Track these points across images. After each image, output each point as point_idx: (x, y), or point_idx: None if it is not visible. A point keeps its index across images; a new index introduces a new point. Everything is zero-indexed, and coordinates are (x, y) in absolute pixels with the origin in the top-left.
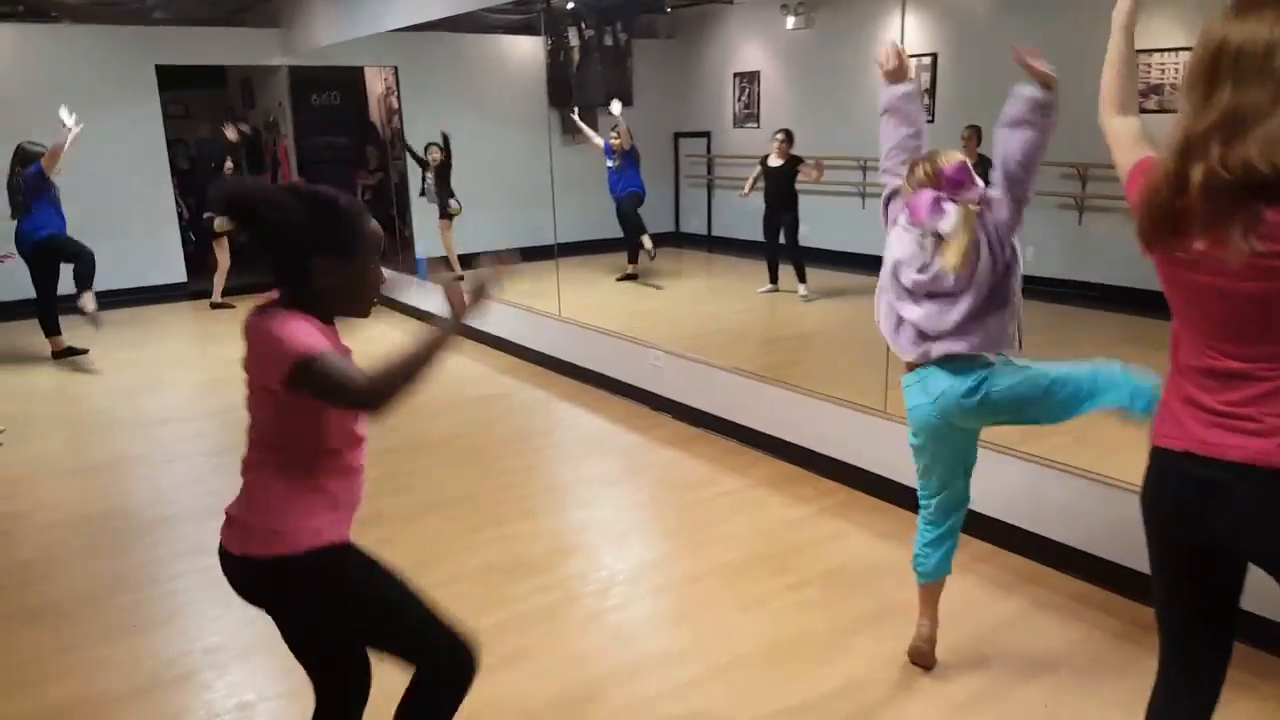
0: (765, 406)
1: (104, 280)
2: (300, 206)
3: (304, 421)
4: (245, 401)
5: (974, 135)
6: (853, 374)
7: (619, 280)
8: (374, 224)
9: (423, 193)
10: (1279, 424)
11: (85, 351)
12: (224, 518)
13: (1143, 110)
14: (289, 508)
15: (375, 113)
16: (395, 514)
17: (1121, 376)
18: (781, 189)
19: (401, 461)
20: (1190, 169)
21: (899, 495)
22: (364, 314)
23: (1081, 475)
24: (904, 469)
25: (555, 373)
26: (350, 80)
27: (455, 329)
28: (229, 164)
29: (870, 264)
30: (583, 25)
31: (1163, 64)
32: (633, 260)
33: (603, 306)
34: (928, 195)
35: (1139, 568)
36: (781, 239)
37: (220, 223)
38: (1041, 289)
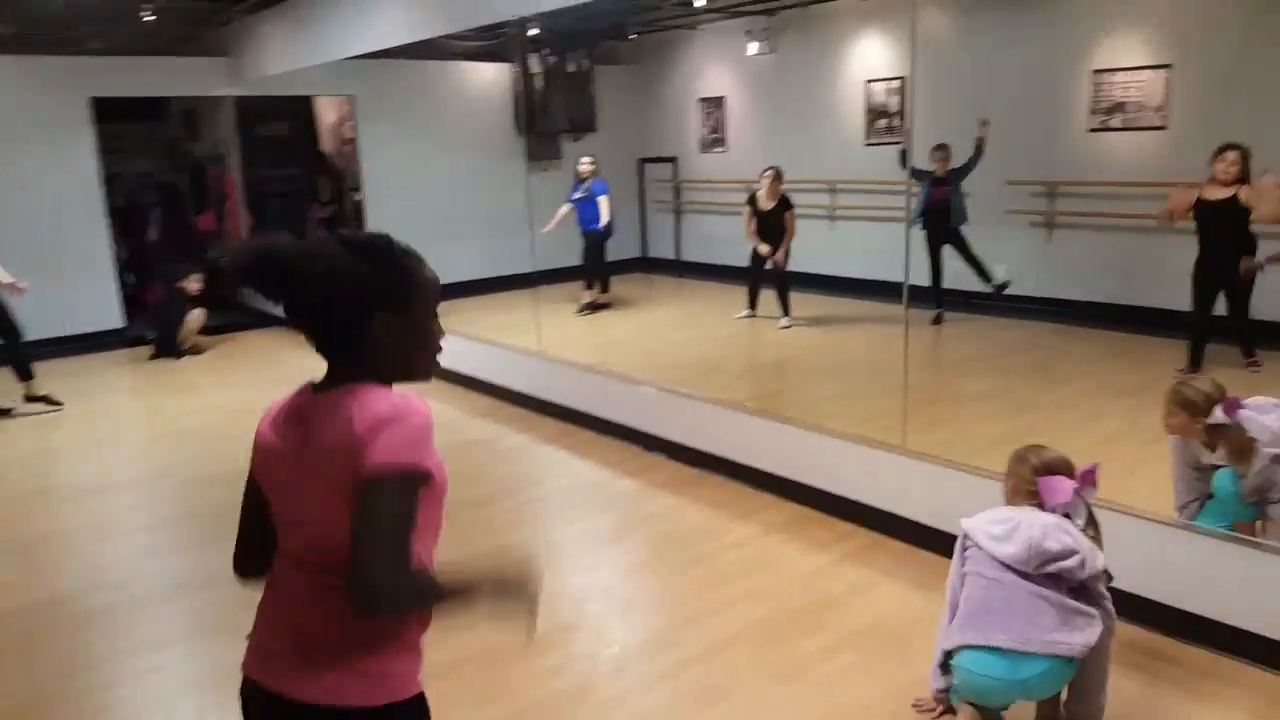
0: (768, 444)
1: (34, 328)
2: (352, 255)
3: None
4: (281, 503)
5: (946, 156)
6: (850, 403)
7: (580, 311)
8: (429, 268)
9: None
10: None
11: (8, 412)
12: (253, 648)
13: (1106, 128)
14: (376, 644)
15: (327, 142)
16: None
17: None
18: (775, 227)
19: None
20: None
21: (924, 538)
22: (429, 376)
23: (1124, 512)
24: (928, 510)
25: (537, 413)
26: (299, 110)
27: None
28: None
29: (839, 286)
30: (545, 52)
31: (1125, 83)
32: (601, 289)
33: (578, 339)
34: (1067, 482)
35: (1201, 612)
36: (768, 265)
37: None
38: (1015, 306)
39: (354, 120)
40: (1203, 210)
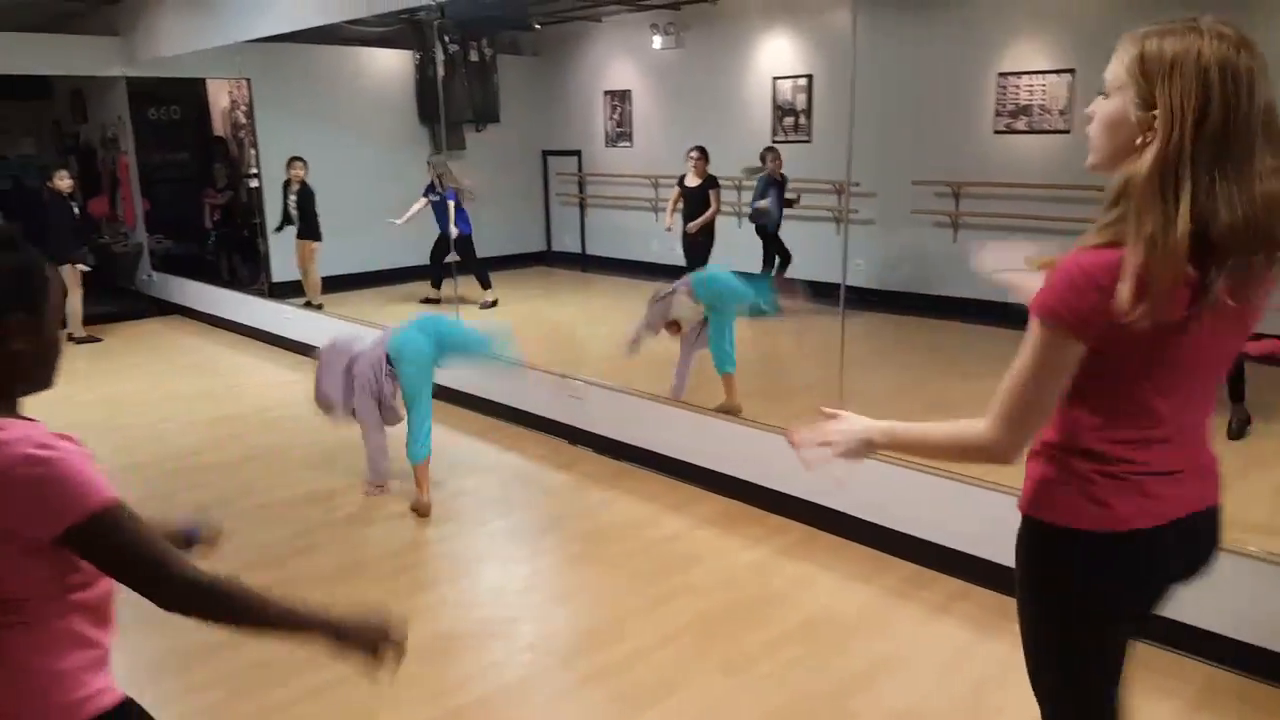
0: (696, 437)
1: None
2: None
3: (48, 572)
4: None
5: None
6: (775, 398)
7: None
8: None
9: (286, 221)
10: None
11: None
12: None
13: (1011, 130)
14: (49, 683)
15: (220, 127)
16: (310, 579)
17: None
18: (700, 205)
19: (306, 515)
20: None
21: (858, 531)
22: (50, 384)
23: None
24: (861, 504)
25: (457, 406)
26: (193, 93)
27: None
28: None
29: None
30: (446, 40)
31: (1030, 86)
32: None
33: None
34: None
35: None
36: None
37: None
38: (920, 305)
39: (249, 105)
40: None
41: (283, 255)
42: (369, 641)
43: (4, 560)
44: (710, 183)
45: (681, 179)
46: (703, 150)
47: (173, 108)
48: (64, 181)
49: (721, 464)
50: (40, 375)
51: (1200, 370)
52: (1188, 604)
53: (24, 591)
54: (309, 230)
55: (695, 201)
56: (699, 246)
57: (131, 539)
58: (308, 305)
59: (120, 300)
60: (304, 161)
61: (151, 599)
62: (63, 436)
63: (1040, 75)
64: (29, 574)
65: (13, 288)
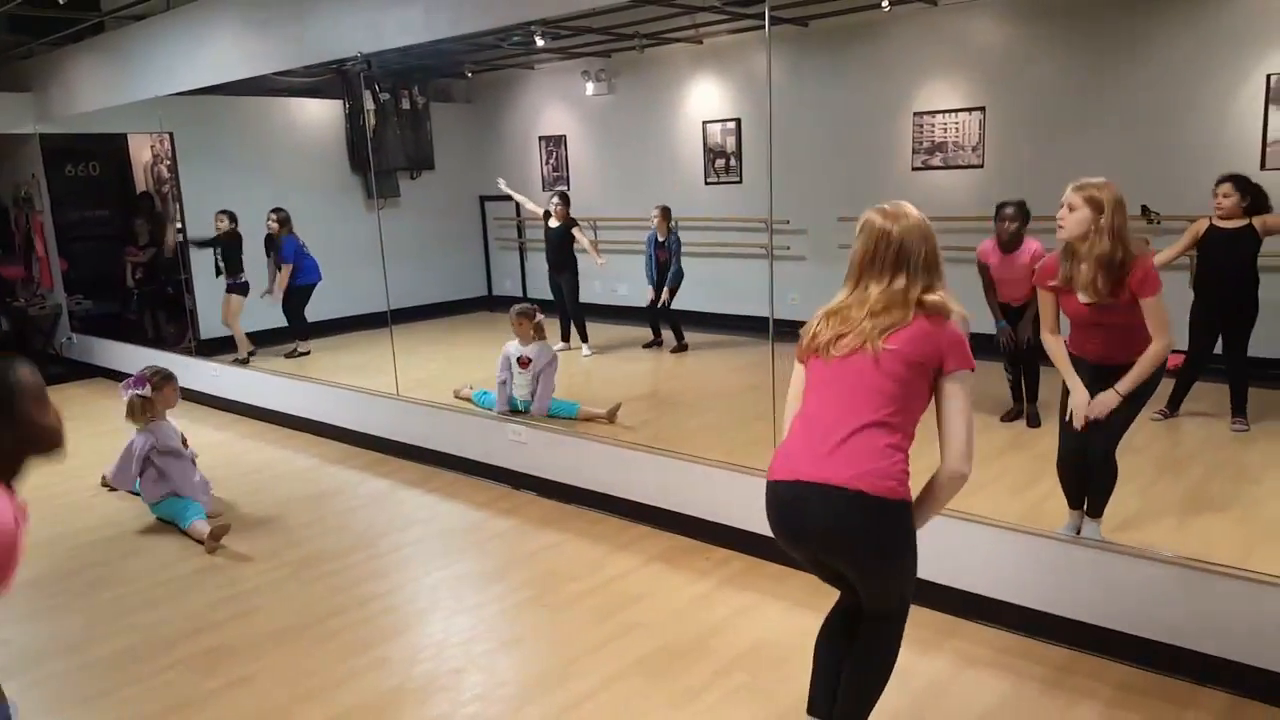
0: (642, 476)
1: None
2: None
3: None
4: None
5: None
6: (717, 433)
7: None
8: (16, 370)
9: (219, 272)
10: None
11: None
12: None
13: (929, 167)
14: None
15: (144, 182)
16: (244, 645)
17: None
18: (560, 250)
19: (236, 580)
20: None
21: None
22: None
23: (979, 521)
24: None
25: (396, 457)
26: (113, 149)
27: None
28: None
29: (683, 319)
30: (376, 88)
31: (944, 124)
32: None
33: (430, 381)
34: None
35: (1057, 612)
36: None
37: None
38: None
39: (173, 159)
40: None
41: (210, 312)
42: None
43: None
44: (570, 223)
45: (546, 215)
46: (563, 195)
47: (92, 164)
48: None
49: (666, 500)
50: (29, 455)
51: None
52: (1100, 607)
53: None
54: (235, 284)
55: (555, 243)
56: (561, 283)
57: None
58: (236, 361)
59: (38, 366)
60: (229, 214)
61: None
62: None
63: (953, 114)
64: None
65: None
